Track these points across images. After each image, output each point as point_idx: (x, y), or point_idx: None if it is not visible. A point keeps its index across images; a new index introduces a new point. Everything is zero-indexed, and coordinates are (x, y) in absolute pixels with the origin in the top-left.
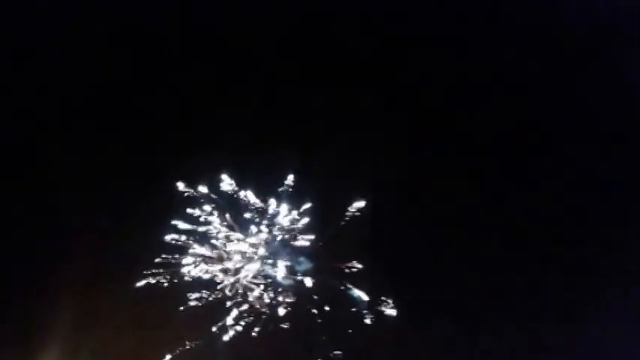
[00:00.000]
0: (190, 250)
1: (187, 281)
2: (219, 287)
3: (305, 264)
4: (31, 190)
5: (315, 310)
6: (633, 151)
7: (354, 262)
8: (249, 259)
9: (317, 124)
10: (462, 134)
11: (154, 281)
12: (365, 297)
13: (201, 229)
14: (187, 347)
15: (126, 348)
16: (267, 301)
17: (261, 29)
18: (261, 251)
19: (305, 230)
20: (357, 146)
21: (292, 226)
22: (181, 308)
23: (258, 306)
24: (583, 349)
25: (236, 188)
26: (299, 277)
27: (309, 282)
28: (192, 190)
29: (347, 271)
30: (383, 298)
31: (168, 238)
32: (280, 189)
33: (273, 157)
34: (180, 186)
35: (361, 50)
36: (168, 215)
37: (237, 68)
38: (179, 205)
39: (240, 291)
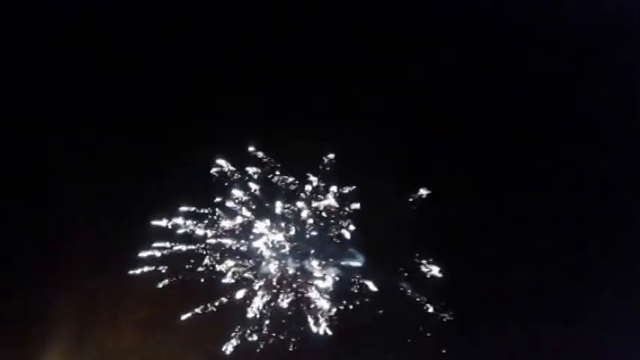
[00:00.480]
0: (213, 241)
1: (215, 278)
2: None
3: (358, 258)
4: (31, 189)
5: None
6: (633, 150)
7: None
8: (284, 254)
9: (317, 123)
10: (461, 134)
11: (174, 277)
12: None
13: (228, 222)
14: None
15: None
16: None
17: (261, 29)
18: (296, 244)
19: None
20: (355, 145)
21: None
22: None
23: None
24: (583, 349)
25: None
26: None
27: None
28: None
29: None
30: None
31: (188, 229)
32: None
33: (274, 154)
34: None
35: (361, 50)
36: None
37: (237, 68)
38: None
39: (275, 285)
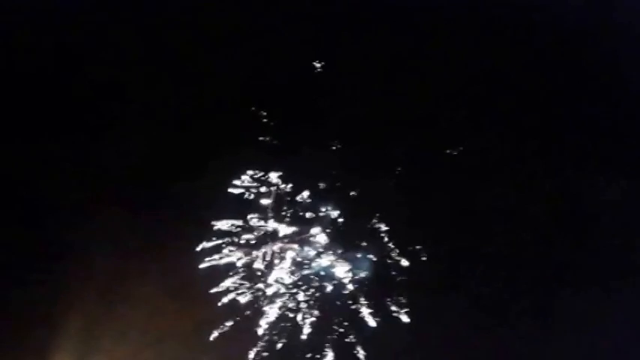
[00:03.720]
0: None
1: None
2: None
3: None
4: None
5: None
6: (633, 150)
7: None
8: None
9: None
10: (462, 134)
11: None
12: None
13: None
14: None
15: None
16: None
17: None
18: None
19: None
20: (353, 145)
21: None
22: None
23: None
24: (583, 349)
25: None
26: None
27: None
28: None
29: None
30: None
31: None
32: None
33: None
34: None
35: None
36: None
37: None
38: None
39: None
